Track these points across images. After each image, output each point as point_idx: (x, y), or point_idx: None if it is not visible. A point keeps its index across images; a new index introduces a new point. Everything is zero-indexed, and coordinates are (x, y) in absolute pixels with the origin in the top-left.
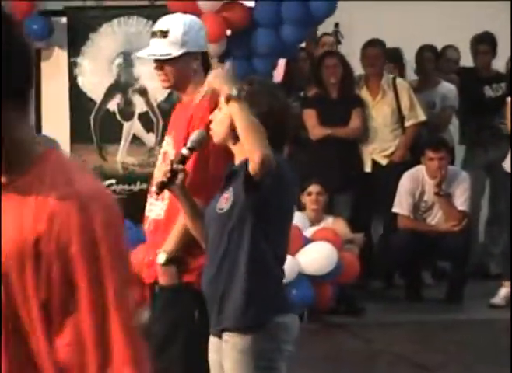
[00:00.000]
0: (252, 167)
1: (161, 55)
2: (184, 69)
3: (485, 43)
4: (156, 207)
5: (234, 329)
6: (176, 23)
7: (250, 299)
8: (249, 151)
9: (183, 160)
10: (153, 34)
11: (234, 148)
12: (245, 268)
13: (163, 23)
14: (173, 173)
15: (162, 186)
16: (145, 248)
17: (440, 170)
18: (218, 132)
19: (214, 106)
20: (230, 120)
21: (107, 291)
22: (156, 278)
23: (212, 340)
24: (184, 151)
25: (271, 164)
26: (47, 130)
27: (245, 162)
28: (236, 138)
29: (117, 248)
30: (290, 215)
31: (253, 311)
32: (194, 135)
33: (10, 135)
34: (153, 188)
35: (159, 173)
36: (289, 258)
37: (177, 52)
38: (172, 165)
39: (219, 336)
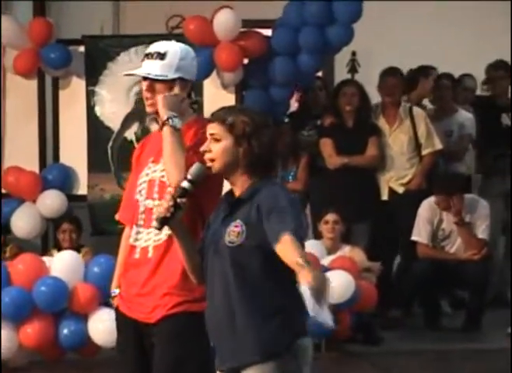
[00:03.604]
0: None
1: (156, 75)
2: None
3: (501, 69)
4: (149, 235)
5: (260, 361)
6: (174, 48)
7: (276, 326)
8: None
9: (185, 194)
10: (148, 55)
11: (235, 177)
12: (267, 296)
13: (160, 46)
14: (176, 208)
15: (164, 222)
16: (136, 280)
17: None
18: (222, 162)
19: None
20: (236, 150)
21: None
22: (161, 319)
23: None
24: (186, 184)
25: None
26: (64, 158)
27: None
28: (243, 168)
29: None
30: None
31: (279, 338)
32: (195, 168)
33: None
34: (154, 223)
35: (160, 208)
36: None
37: (172, 75)
38: (175, 199)
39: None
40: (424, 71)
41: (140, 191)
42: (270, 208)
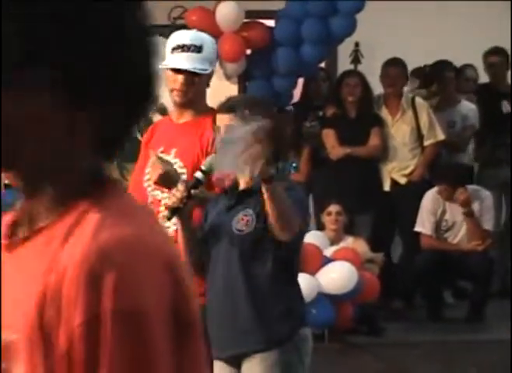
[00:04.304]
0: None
1: (201, 70)
2: (204, 87)
3: (497, 55)
4: None
5: (263, 349)
6: (207, 40)
7: (279, 315)
8: (278, 229)
9: (198, 184)
10: (184, 48)
11: None
12: (271, 285)
13: (193, 38)
14: (189, 199)
15: (176, 212)
16: None
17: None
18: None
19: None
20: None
21: None
22: None
23: (220, 365)
24: (199, 175)
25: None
26: None
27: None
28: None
29: (127, 349)
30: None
31: (281, 326)
32: (211, 160)
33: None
34: (165, 213)
35: (173, 198)
36: (308, 277)
37: (209, 69)
38: (190, 191)
39: (231, 360)
40: (443, 65)
41: (147, 180)
42: None
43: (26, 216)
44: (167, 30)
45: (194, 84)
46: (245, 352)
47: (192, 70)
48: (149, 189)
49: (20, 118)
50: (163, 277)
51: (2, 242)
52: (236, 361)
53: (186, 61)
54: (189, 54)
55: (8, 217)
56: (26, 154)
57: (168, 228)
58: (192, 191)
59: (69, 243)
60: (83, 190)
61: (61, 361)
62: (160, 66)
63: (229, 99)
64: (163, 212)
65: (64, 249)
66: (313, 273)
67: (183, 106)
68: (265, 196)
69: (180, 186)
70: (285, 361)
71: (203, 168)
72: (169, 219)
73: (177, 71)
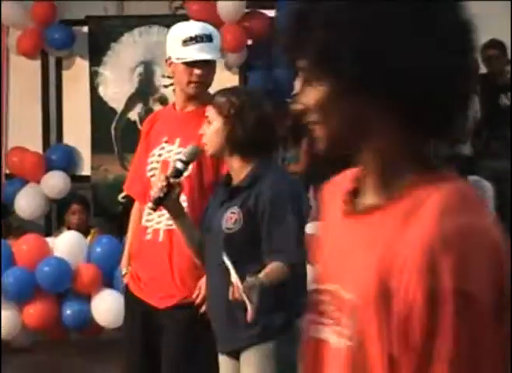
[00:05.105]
0: None
1: (218, 58)
2: (213, 75)
3: (494, 48)
4: (160, 218)
5: (259, 342)
6: (213, 29)
7: (274, 306)
8: None
9: (178, 174)
10: (199, 38)
11: (230, 160)
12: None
13: (203, 28)
14: (170, 188)
15: (159, 202)
16: (148, 263)
17: None
18: (213, 144)
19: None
20: (225, 132)
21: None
22: (171, 307)
23: (223, 358)
24: (179, 164)
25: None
26: (68, 139)
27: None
28: (232, 150)
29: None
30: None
31: (277, 318)
32: (189, 149)
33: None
34: (149, 204)
35: (154, 188)
36: (309, 268)
37: (219, 57)
38: (168, 179)
39: (232, 354)
40: None
41: (151, 170)
42: (271, 215)
43: (365, 188)
44: (168, 20)
45: (211, 73)
46: (242, 346)
47: (214, 59)
48: (153, 179)
49: (364, 117)
50: (491, 262)
51: (344, 207)
52: (236, 355)
53: (205, 52)
54: (203, 44)
55: (348, 185)
56: (370, 142)
57: (151, 221)
58: (172, 180)
59: (411, 224)
60: (419, 175)
61: (399, 323)
62: (175, 60)
63: (218, 90)
64: (148, 203)
65: (405, 228)
66: (314, 263)
67: (193, 96)
68: None
69: (161, 176)
70: (282, 353)
71: (183, 158)
72: (153, 210)
73: (191, 63)
